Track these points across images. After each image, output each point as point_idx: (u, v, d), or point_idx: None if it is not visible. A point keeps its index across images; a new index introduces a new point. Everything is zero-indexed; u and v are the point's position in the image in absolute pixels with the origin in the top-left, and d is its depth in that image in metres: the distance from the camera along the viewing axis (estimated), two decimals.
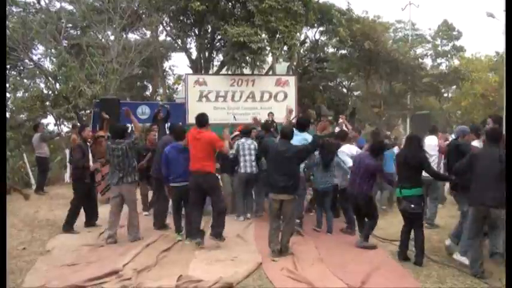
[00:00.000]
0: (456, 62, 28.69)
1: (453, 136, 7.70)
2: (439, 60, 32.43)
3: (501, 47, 26.98)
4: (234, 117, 14.89)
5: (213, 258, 5.64)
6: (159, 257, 5.65)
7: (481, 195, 4.92)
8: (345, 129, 9.73)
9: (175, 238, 6.52)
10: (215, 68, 19.31)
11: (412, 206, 5.37)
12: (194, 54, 18.86)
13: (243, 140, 8.16)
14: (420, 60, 23.13)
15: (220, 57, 19.02)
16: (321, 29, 20.35)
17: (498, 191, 4.74)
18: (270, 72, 18.70)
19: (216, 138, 6.27)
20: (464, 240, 5.27)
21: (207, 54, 18.29)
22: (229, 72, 16.28)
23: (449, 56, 32.20)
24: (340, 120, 15.14)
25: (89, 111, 15.81)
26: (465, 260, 5.19)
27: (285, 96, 15.75)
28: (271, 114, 13.57)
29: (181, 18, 17.34)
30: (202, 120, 6.37)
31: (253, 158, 7.98)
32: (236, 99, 15.41)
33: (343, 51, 21.10)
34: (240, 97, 15.46)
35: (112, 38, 16.93)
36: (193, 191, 6.16)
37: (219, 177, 7.43)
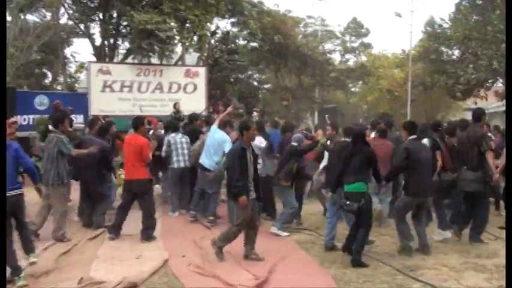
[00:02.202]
0: (364, 58, 30.44)
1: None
2: (347, 56, 34.33)
3: (407, 45, 29.21)
4: (141, 109, 14.53)
5: (116, 258, 5.51)
6: (58, 260, 5.40)
7: (422, 185, 5.51)
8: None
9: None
10: (120, 57, 18.65)
11: (348, 202, 5.30)
12: (98, 41, 18.01)
13: (173, 134, 8.07)
14: (329, 55, 24.37)
15: (126, 45, 18.38)
16: (232, 20, 20.52)
17: (431, 181, 5.50)
18: (179, 63, 18.49)
19: (145, 146, 6.42)
20: None
21: (111, 41, 17.58)
22: (136, 61, 15.82)
23: (357, 52, 34.20)
24: (255, 113, 15.55)
25: None
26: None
27: (195, 88, 15.71)
28: (177, 104, 13.44)
29: (84, 0, 16.44)
30: (134, 123, 6.61)
31: (185, 151, 7.95)
32: (143, 90, 15.04)
33: (254, 44, 21.49)
34: (146, 88, 15.11)
35: (9, 18, 15.54)
36: (126, 193, 6.50)
37: None
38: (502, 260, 5.27)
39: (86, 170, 6.95)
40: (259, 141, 7.61)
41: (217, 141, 7.30)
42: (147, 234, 6.34)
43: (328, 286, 4.63)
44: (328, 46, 29.33)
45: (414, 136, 5.77)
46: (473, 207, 6.25)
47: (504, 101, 14.18)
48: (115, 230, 6.44)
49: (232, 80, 21.75)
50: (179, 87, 15.54)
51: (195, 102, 15.24)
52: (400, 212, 5.74)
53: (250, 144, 5.56)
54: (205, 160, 7.35)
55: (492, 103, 18.30)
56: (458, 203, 6.58)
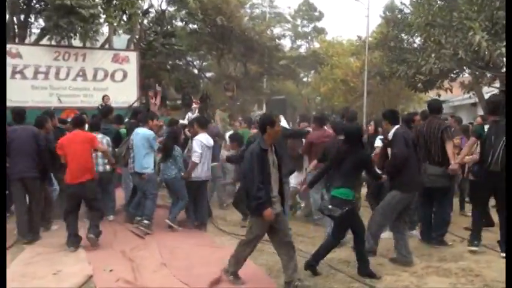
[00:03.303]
0: (317, 45, 30.98)
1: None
2: (298, 42, 34.97)
3: (363, 31, 29.97)
4: (59, 99, 13.99)
5: (29, 276, 5.30)
6: None
7: (413, 181, 5.68)
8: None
9: None
10: (34, 37, 17.82)
11: (330, 207, 5.23)
12: (6, 17, 17.10)
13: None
14: (278, 41, 24.57)
15: (41, 23, 17.58)
16: None
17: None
18: (106, 46, 17.97)
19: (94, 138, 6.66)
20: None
21: (22, 17, 16.74)
22: (53, 43, 15.18)
23: (309, 38, 34.84)
24: (194, 105, 15.40)
25: None
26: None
27: (124, 76, 15.36)
28: (106, 97, 13.09)
29: None
30: (77, 120, 6.80)
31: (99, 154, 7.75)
32: (62, 77, 14.47)
33: (193, 26, 21.32)
34: (66, 74, 14.57)
35: None
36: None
37: None
38: (468, 263, 5.55)
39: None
40: (206, 140, 7.58)
41: (143, 138, 7.31)
42: (95, 231, 6.45)
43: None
44: (277, 30, 29.69)
45: (398, 126, 5.94)
46: (438, 205, 6.54)
47: (471, 93, 15.01)
48: (74, 240, 6.37)
49: (168, 67, 21.44)
50: (106, 74, 15.12)
51: (124, 92, 14.92)
52: (390, 212, 5.76)
53: (273, 144, 5.03)
54: (138, 164, 7.31)
55: (457, 95, 19.23)
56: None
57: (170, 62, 21.78)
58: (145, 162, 7.30)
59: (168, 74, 20.91)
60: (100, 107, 12.38)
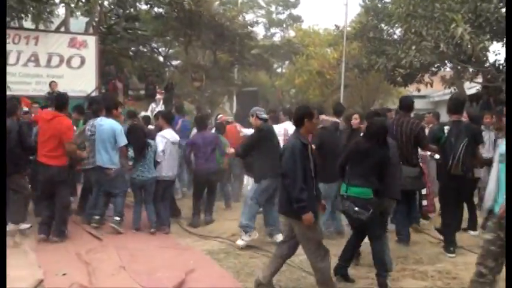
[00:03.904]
0: (292, 33, 31.04)
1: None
2: (272, 30, 34.95)
3: (341, 20, 30.23)
4: (9, 86, 13.66)
5: None
6: None
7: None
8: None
9: None
10: None
11: (356, 209, 5.09)
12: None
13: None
14: (250, 28, 24.48)
15: None
16: None
17: None
18: (62, 29, 17.65)
19: (68, 127, 6.57)
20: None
21: None
22: None
23: (284, 26, 34.89)
24: (158, 96, 15.29)
25: None
26: None
27: (82, 62, 15.18)
28: (53, 83, 12.89)
29: None
30: (60, 100, 6.79)
31: None
32: (11, 62, 14.18)
33: (159, 10, 21.07)
34: (16, 59, 14.33)
35: None
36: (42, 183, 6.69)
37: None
38: (445, 265, 5.70)
39: None
40: (171, 136, 7.56)
41: (108, 131, 7.18)
42: (59, 230, 6.66)
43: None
44: (249, 17, 29.63)
45: None
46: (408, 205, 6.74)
47: (452, 89, 15.32)
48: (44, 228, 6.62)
49: (131, 53, 21.19)
50: (61, 60, 14.90)
51: (82, 80, 14.73)
52: None
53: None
54: (103, 158, 7.19)
55: (438, 90, 19.58)
56: None
57: (133, 48, 21.52)
58: (113, 156, 7.20)
59: (130, 61, 20.67)
60: (48, 94, 12.19)
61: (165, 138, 7.47)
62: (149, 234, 7.24)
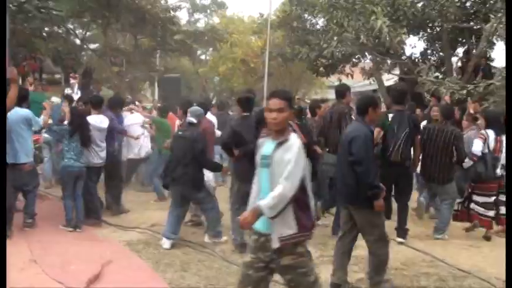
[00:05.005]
0: (216, 20, 30.93)
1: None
2: (196, 16, 34.66)
3: (265, 9, 30.37)
4: None
5: None
6: None
7: None
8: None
9: None
10: None
11: None
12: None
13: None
14: (173, 12, 24.14)
15: None
16: None
17: None
18: None
19: None
20: None
21: None
22: None
23: (208, 11, 34.69)
24: (72, 81, 14.72)
25: None
26: None
27: None
28: None
29: None
30: None
31: None
32: None
33: None
34: None
35: None
36: None
37: None
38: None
39: None
40: (98, 121, 7.36)
41: (22, 121, 6.59)
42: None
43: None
44: (172, 1, 29.16)
45: None
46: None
47: (371, 80, 15.89)
48: None
49: (44, 34, 20.23)
50: None
51: None
52: None
53: None
54: (16, 153, 6.49)
55: (359, 81, 20.22)
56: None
57: (47, 29, 20.57)
58: (30, 148, 6.74)
59: (44, 43, 19.74)
60: None
61: (94, 124, 7.27)
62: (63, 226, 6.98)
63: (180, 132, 6.61)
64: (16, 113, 6.49)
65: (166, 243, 6.12)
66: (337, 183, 5.24)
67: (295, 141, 3.40)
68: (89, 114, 7.52)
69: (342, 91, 7.16)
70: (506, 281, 3.89)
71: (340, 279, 4.92)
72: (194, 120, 6.43)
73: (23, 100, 6.68)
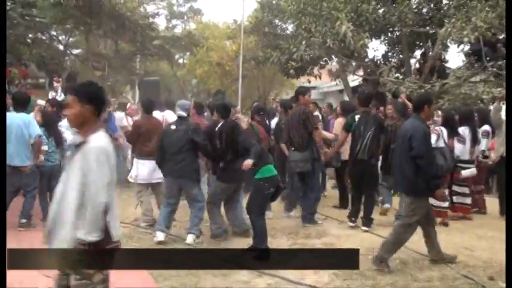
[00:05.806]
0: (193, 25, 30.91)
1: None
2: (174, 22, 34.37)
3: (239, 15, 30.42)
4: None
5: None
6: None
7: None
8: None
9: None
10: None
11: None
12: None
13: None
14: (152, 19, 24.05)
15: None
16: None
17: None
18: None
19: None
20: None
21: None
22: None
23: (185, 18, 34.49)
24: (56, 84, 14.46)
25: None
26: None
27: None
28: None
29: None
30: None
31: None
32: None
33: None
34: None
35: None
36: None
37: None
38: (330, 239, 6.12)
39: None
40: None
41: (21, 125, 6.42)
42: None
43: (146, 286, 4.70)
44: (151, 8, 28.99)
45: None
46: (305, 186, 7.08)
47: (338, 80, 16.07)
48: None
49: (29, 40, 19.91)
50: None
51: None
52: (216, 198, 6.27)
53: None
54: (15, 156, 6.32)
55: (326, 82, 20.47)
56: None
57: (31, 35, 20.25)
58: (29, 152, 6.51)
59: (28, 49, 19.42)
60: None
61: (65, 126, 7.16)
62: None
63: (172, 127, 6.21)
64: (17, 117, 6.43)
65: (160, 236, 5.95)
66: (395, 175, 5.35)
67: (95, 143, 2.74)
68: (58, 116, 7.45)
69: (298, 94, 7.33)
70: (506, 281, 3.94)
71: (439, 255, 5.20)
72: (184, 114, 6.20)
73: (24, 105, 6.63)
